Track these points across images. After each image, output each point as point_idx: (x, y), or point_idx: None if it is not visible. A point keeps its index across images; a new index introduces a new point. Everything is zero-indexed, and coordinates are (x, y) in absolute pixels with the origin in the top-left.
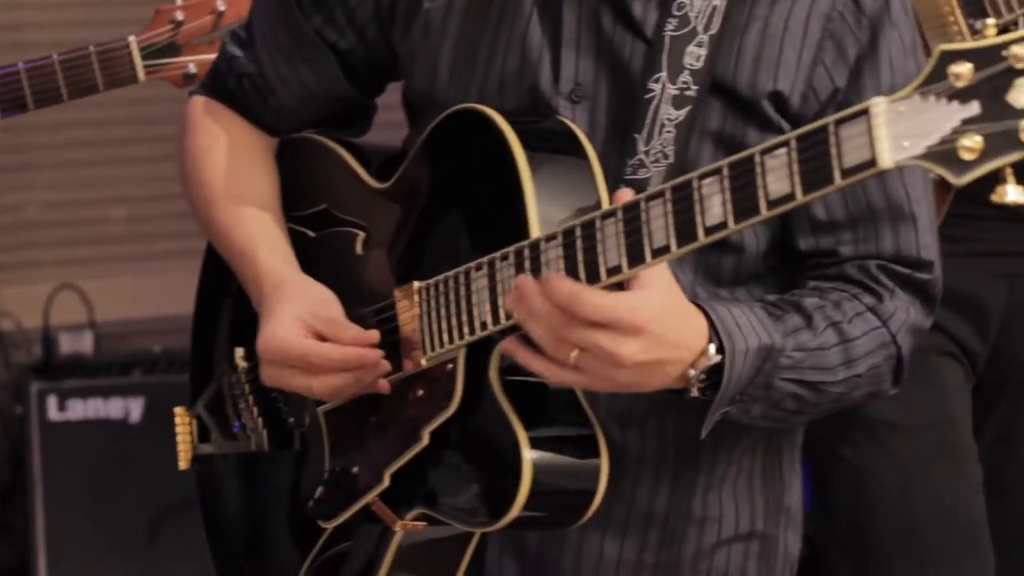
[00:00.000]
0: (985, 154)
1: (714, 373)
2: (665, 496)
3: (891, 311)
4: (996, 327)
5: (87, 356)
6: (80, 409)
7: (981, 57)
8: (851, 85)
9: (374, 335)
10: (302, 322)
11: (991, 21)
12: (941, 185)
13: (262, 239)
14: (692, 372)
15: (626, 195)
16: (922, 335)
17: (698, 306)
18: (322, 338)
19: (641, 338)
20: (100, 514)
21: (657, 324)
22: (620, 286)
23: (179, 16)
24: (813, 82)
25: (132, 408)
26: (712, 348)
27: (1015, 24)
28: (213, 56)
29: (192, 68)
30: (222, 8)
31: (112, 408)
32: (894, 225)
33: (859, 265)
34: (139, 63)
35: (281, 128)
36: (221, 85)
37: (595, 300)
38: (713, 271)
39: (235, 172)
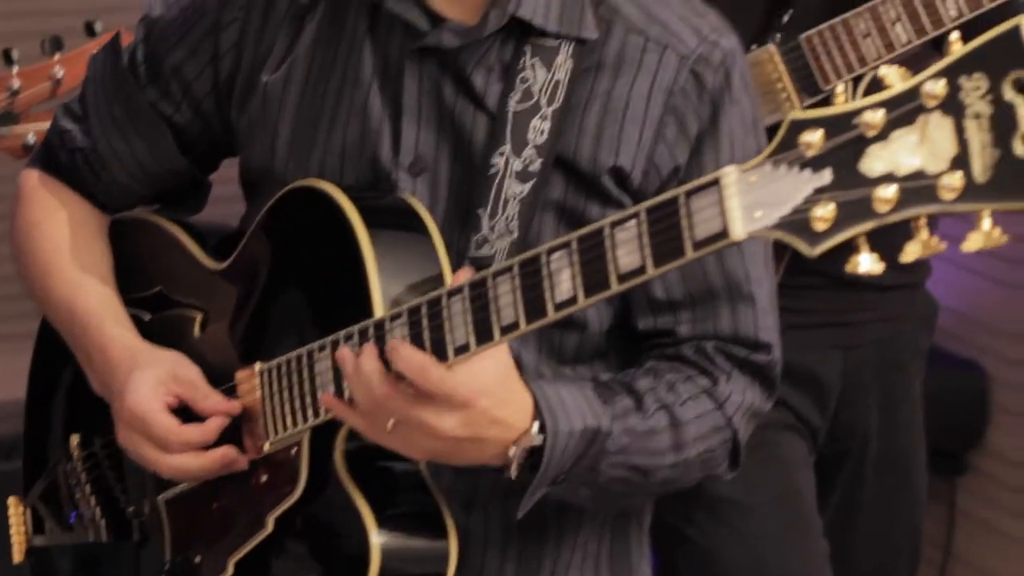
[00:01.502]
0: (838, 223)
1: (536, 453)
2: None
3: (726, 394)
4: (835, 399)
5: None
6: None
7: (832, 125)
8: (692, 161)
9: (235, 405)
10: (163, 386)
11: (840, 89)
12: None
13: (107, 310)
14: (512, 450)
15: (465, 274)
16: (762, 417)
17: (528, 384)
18: (184, 403)
19: (463, 413)
20: None
21: (483, 399)
22: None
23: (15, 84)
24: (655, 158)
25: None
26: (535, 428)
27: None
28: None
29: (31, 138)
30: (60, 75)
31: None
32: (732, 305)
33: (696, 346)
34: None
35: (114, 204)
36: (54, 159)
37: (429, 372)
38: (557, 348)
39: (72, 246)
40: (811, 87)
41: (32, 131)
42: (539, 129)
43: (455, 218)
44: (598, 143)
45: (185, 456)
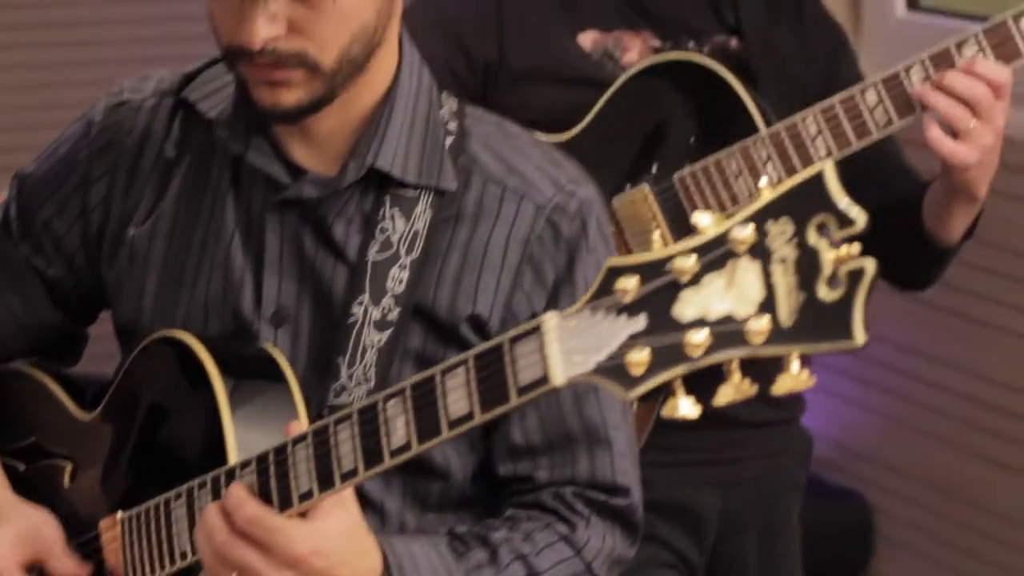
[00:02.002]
0: (652, 368)
1: None
2: None
3: (585, 540)
4: (712, 534)
5: None
6: None
7: (646, 271)
8: (549, 308)
9: (86, 571)
10: (20, 545)
11: (657, 235)
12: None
13: None
14: None
15: (298, 427)
16: (628, 563)
17: (379, 541)
18: (39, 561)
19: (297, 570)
20: None
21: (317, 558)
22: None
23: None
24: (512, 306)
25: None
26: None
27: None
28: None
29: None
30: None
31: None
32: (590, 450)
33: (555, 492)
34: None
35: None
36: None
37: (263, 521)
38: (421, 496)
39: None
40: (684, 226)
41: None
42: (398, 278)
43: (315, 367)
44: (456, 292)
45: None
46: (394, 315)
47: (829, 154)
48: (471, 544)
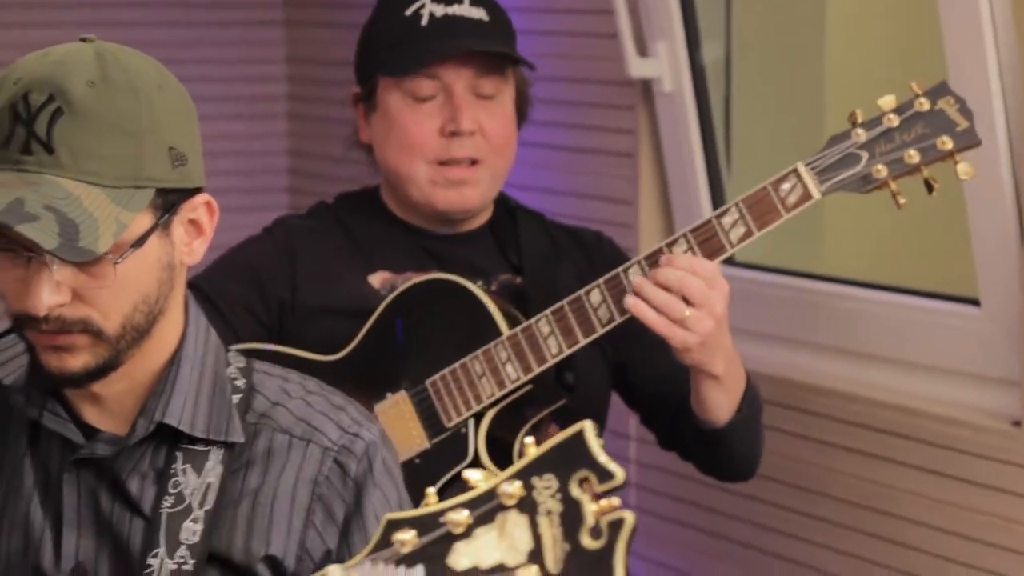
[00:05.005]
0: None
1: None
2: None
3: None
4: None
5: None
6: None
7: (423, 524)
8: (341, 543)
9: None
10: None
11: (432, 490)
12: None
13: None
14: None
15: None
16: None
17: None
18: None
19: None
20: None
21: None
22: None
23: None
24: (306, 544)
25: None
26: None
27: None
28: None
29: None
30: None
31: None
32: None
33: None
34: None
35: None
36: None
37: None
38: None
39: None
40: (437, 426)
41: None
42: (191, 530)
43: None
44: (250, 535)
45: None
46: (189, 565)
47: (560, 351)
48: None
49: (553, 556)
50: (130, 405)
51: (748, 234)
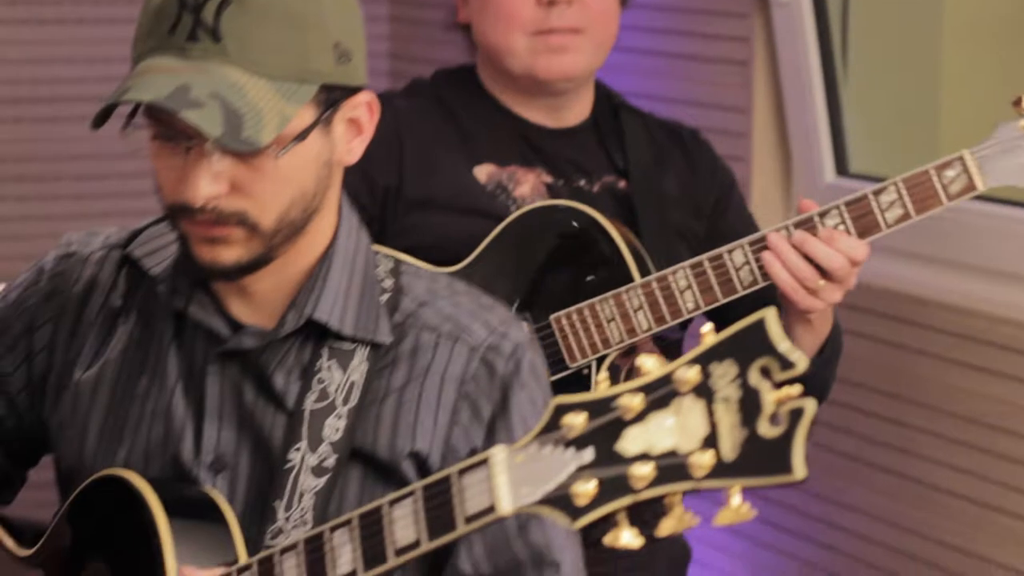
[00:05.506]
0: (598, 499)
1: None
2: None
3: None
4: None
5: None
6: None
7: (593, 408)
8: (487, 442)
9: None
10: None
11: (602, 376)
12: None
13: None
14: None
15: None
16: None
17: None
18: None
19: None
20: None
21: None
22: None
23: None
24: (451, 441)
25: None
26: None
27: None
28: None
29: None
30: None
31: None
32: (538, 574)
33: None
34: None
35: None
36: None
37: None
38: None
39: None
40: (559, 364)
41: None
42: (334, 427)
43: (253, 510)
44: (395, 432)
45: None
46: (331, 461)
47: (697, 308)
48: None
49: (729, 442)
50: (278, 300)
51: (906, 216)
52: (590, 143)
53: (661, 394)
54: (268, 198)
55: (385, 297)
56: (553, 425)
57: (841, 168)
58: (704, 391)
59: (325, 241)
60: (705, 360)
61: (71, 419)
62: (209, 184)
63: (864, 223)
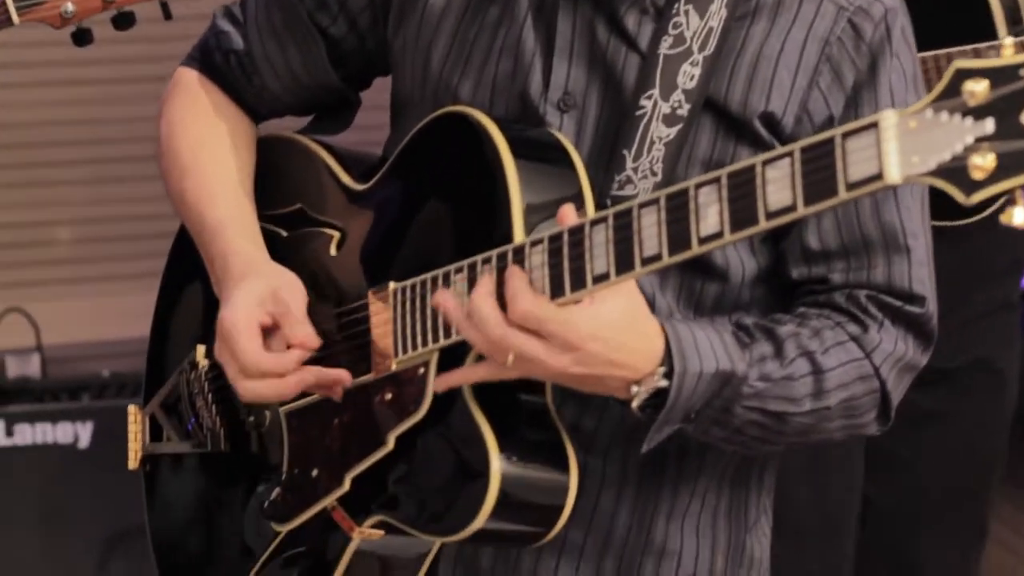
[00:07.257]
0: (996, 174)
1: (662, 394)
2: (624, 523)
3: (876, 342)
4: None
5: (35, 380)
6: (28, 434)
7: (998, 76)
8: (847, 112)
9: (314, 342)
10: (262, 306)
11: (1009, 41)
12: None
13: (237, 221)
14: (635, 388)
15: (570, 210)
16: (915, 373)
17: (662, 325)
18: (275, 322)
19: (574, 354)
20: (49, 542)
21: (593, 343)
22: None
23: None
24: (808, 105)
25: (81, 433)
26: (660, 372)
27: None
28: None
29: (70, 7)
30: None
31: (60, 433)
32: (887, 256)
33: (848, 294)
34: (11, 3)
35: (262, 111)
36: (208, 59)
37: (537, 311)
38: (696, 297)
39: (213, 147)
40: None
41: (70, 1)
42: (689, 74)
43: (599, 156)
44: (749, 87)
45: (261, 383)
46: (684, 110)
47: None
48: (756, 335)
49: None
50: None
51: None
52: None
53: None
54: None
55: None
56: (952, 91)
57: None
58: None
59: None
60: None
61: (415, 44)
62: None
63: None
